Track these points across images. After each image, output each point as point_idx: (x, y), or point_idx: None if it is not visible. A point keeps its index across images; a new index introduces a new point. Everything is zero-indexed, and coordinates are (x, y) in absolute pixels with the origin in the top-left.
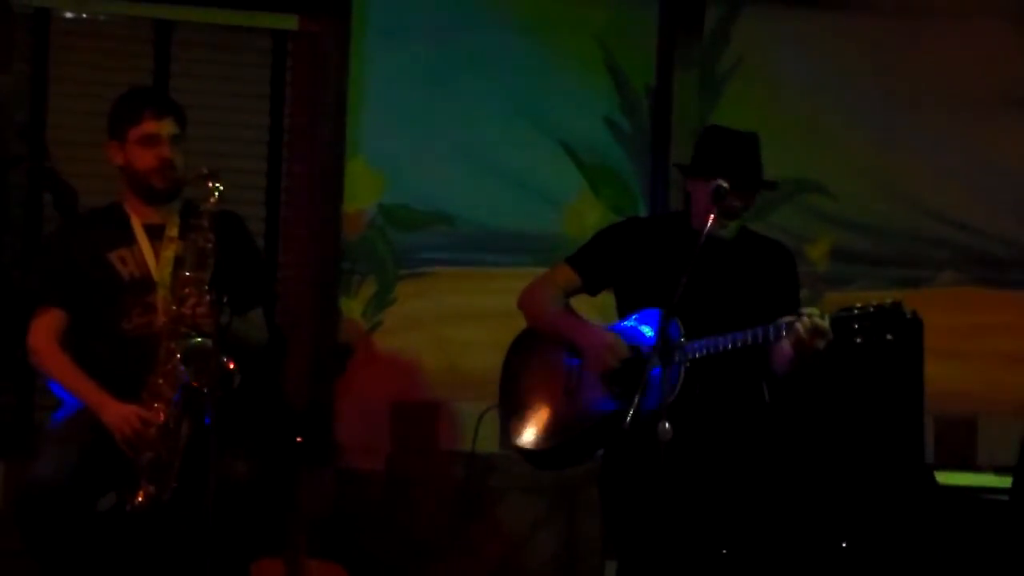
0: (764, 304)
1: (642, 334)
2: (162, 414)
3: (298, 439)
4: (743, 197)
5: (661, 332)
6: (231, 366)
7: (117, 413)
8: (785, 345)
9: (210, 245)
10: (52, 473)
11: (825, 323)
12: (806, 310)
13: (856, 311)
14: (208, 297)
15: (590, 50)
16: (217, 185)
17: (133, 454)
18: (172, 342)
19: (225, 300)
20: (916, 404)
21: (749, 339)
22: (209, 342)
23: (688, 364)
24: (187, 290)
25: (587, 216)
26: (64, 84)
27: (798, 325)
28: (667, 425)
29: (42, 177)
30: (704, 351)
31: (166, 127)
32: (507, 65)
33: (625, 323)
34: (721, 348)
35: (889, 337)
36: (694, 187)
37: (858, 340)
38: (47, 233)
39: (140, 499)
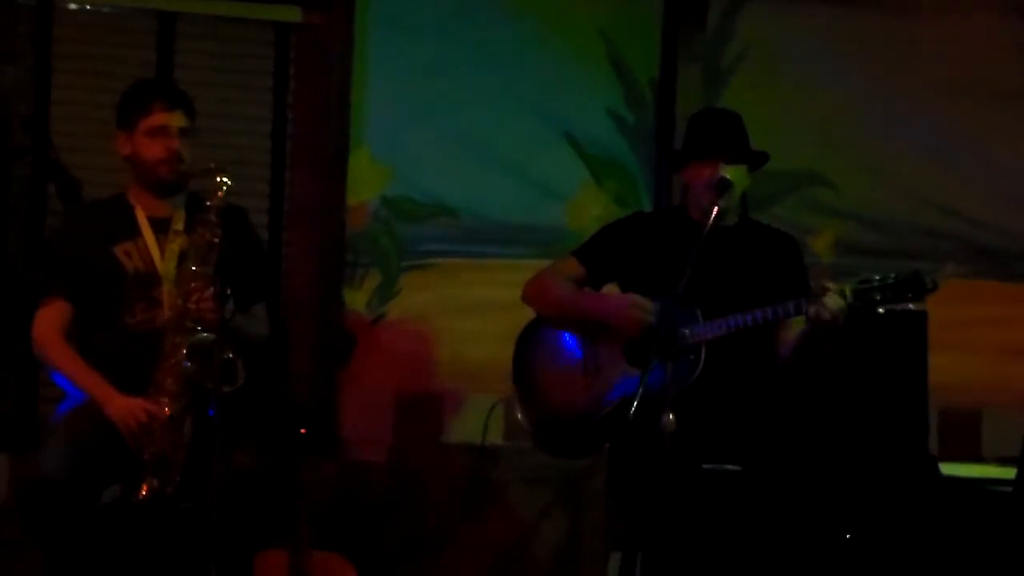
0: (771, 292)
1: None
2: (167, 408)
3: (302, 431)
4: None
5: (669, 317)
6: (236, 363)
7: (122, 407)
8: (789, 334)
9: (216, 240)
10: (56, 466)
11: (836, 301)
12: (829, 284)
13: (877, 281)
14: (213, 292)
15: (594, 43)
16: (224, 180)
17: (138, 448)
18: (177, 337)
19: (228, 293)
20: (920, 396)
21: (770, 315)
22: (214, 337)
23: (704, 350)
24: (192, 284)
25: (591, 208)
26: (67, 75)
27: (824, 299)
28: (671, 416)
29: (46, 168)
30: (723, 329)
31: (176, 119)
32: (511, 57)
33: None
34: (740, 325)
35: (911, 306)
36: (689, 174)
37: (880, 310)
38: (52, 225)
39: (144, 493)
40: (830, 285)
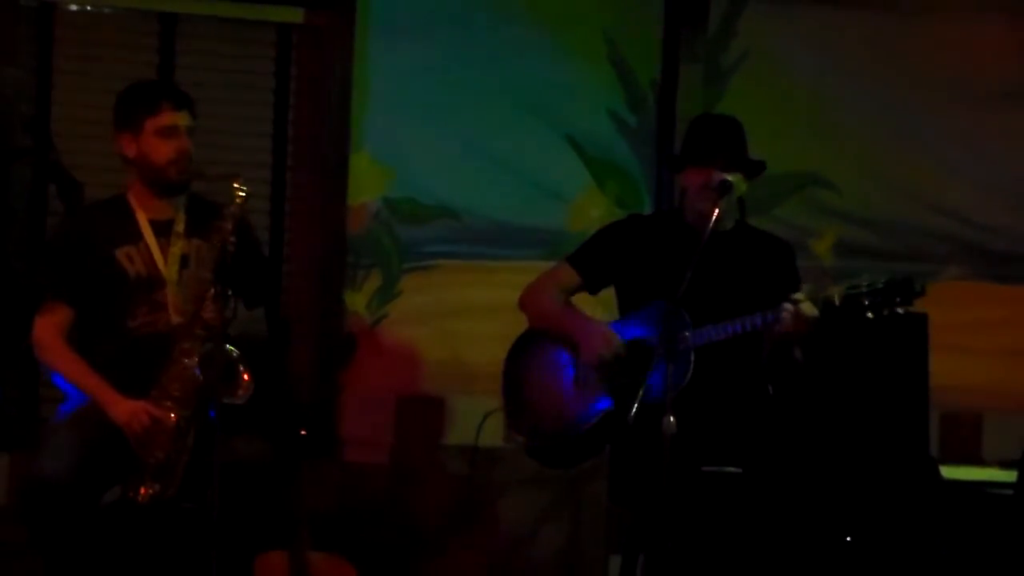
0: (764, 298)
1: (647, 327)
2: (174, 415)
3: (302, 432)
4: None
5: (666, 323)
6: (246, 377)
7: (126, 410)
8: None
9: (232, 249)
10: (57, 468)
11: (807, 310)
12: (799, 295)
13: (866, 287)
14: (214, 293)
15: (595, 44)
16: (243, 188)
17: (141, 450)
18: (187, 343)
19: (230, 294)
20: (921, 399)
21: (759, 322)
22: (229, 349)
23: (694, 355)
24: (207, 292)
25: (592, 210)
26: (69, 77)
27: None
28: (671, 419)
29: (47, 169)
30: (712, 337)
31: (183, 119)
32: (512, 59)
33: (630, 317)
34: (730, 333)
35: (900, 311)
36: (685, 178)
37: (869, 315)
38: (52, 227)
39: (143, 495)
40: (799, 296)
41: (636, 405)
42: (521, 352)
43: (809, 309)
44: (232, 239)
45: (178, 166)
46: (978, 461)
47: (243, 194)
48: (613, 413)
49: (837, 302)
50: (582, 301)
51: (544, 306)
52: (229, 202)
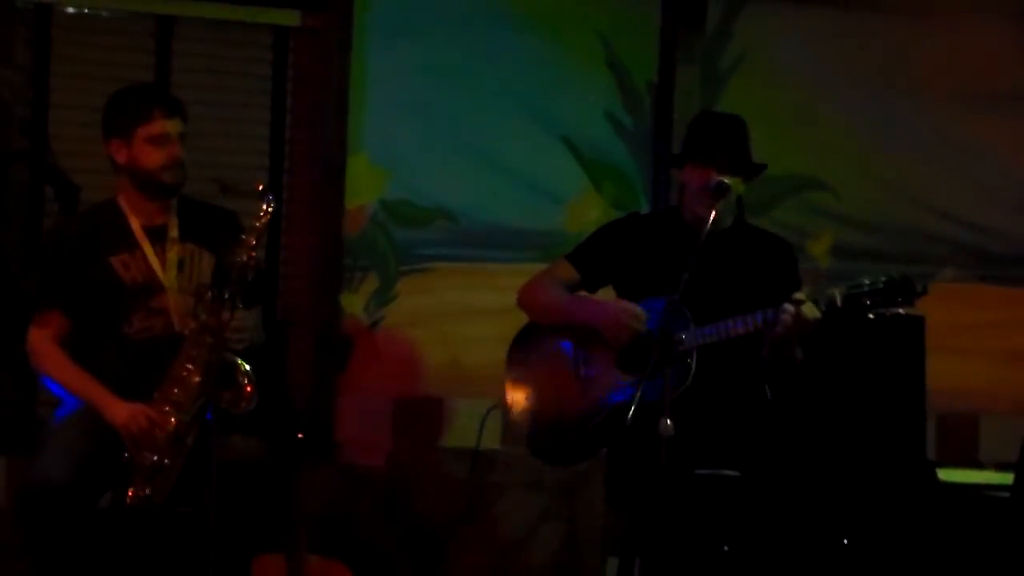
0: (765, 297)
1: (652, 321)
2: (173, 419)
3: (299, 435)
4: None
5: (665, 323)
6: (249, 389)
7: (125, 411)
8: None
9: (252, 264)
10: (54, 471)
11: (808, 312)
12: (800, 295)
13: (867, 286)
14: (223, 304)
15: (592, 46)
16: (272, 205)
17: (136, 452)
18: (194, 350)
19: (227, 296)
20: (918, 401)
21: (760, 321)
22: (240, 363)
23: (695, 356)
24: (205, 296)
25: (589, 212)
26: (66, 79)
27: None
28: (668, 422)
29: (43, 172)
30: (711, 337)
31: (175, 125)
32: (509, 61)
33: None
34: (731, 332)
35: (901, 311)
36: (684, 176)
37: (870, 316)
38: (46, 234)
39: (131, 496)
40: (800, 296)
41: (634, 407)
42: (523, 347)
43: (810, 311)
44: (254, 253)
45: (172, 171)
46: (975, 463)
47: (271, 210)
48: (623, 408)
49: (839, 302)
50: None
51: (550, 299)
52: (255, 217)
